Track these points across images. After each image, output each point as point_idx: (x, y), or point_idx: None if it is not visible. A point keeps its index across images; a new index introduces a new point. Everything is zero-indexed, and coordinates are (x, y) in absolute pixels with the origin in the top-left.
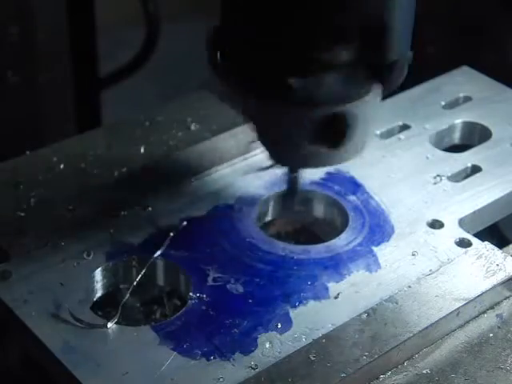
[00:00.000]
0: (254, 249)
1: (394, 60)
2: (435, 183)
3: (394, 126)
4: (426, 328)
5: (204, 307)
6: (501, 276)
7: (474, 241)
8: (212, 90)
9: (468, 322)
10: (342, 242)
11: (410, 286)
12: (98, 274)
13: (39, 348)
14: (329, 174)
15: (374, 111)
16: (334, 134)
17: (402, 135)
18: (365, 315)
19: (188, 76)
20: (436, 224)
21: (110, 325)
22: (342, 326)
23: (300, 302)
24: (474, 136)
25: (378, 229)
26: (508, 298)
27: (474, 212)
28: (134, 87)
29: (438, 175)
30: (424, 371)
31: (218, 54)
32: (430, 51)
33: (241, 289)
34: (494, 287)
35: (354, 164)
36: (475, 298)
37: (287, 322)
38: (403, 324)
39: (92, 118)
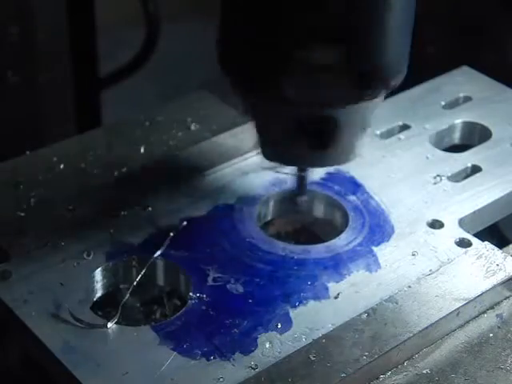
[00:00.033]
0: (254, 249)
1: (374, 67)
2: (435, 183)
3: (394, 126)
4: (426, 328)
5: (204, 307)
6: (501, 276)
7: (474, 241)
8: (212, 90)
9: (468, 322)
10: (341, 241)
11: (410, 286)
12: (98, 274)
13: (39, 348)
14: (329, 173)
15: (365, 117)
16: (319, 135)
17: (401, 135)
18: (365, 315)
19: (188, 76)
20: (436, 224)
21: (109, 325)
22: (342, 326)
23: (300, 302)
24: (474, 136)
25: (378, 229)
26: (508, 297)
27: (474, 212)
28: (133, 87)
29: (437, 175)
30: (424, 371)
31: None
32: (430, 51)
33: (241, 289)
34: (494, 287)
35: (354, 164)
36: (475, 298)
37: (287, 322)
38: (403, 324)
39: (92, 117)
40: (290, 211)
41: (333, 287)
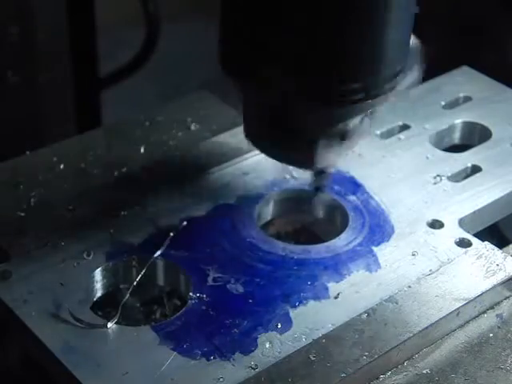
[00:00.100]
0: (254, 249)
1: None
2: (435, 183)
3: (394, 126)
4: (426, 328)
5: (204, 307)
6: (501, 276)
7: (474, 241)
8: (212, 90)
9: (468, 322)
10: (341, 242)
11: (410, 286)
12: (98, 274)
13: (39, 348)
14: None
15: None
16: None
17: (402, 135)
18: (365, 315)
19: (188, 76)
20: (436, 224)
21: (110, 325)
22: (342, 326)
23: (300, 302)
24: (474, 136)
25: (378, 229)
26: (508, 297)
27: (474, 212)
28: (134, 87)
29: (437, 175)
30: (424, 371)
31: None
32: (430, 51)
33: (241, 289)
34: (494, 287)
35: (354, 164)
36: (475, 298)
37: (287, 322)
38: (403, 324)
39: (92, 117)
40: (291, 211)
41: (333, 287)
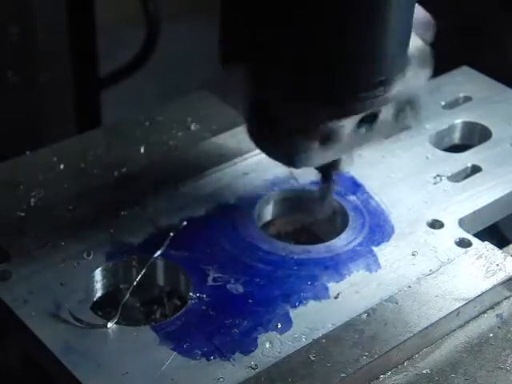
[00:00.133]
0: (254, 249)
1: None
2: (435, 183)
3: None
4: (426, 328)
5: (204, 307)
6: (501, 276)
7: (474, 241)
8: (212, 90)
9: (468, 322)
10: (342, 242)
11: (410, 286)
12: (98, 274)
13: (39, 348)
14: None
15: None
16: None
17: (401, 135)
18: (365, 315)
19: (188, 76)
20: (436, 224)
21: (109, 325)
22: (342, 326)
23: (300, 302)
24: (474, 136)
25: (378, 229)
26: (508, 297)
27: (474, 212)
28: (134, 87)
29: (437, 175)
30: (424, 371)
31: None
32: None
33: (241, 289)
34: (494, 287)
35: (354, 164)
36: (475, 298)
37: (287, 322)
38: (403, 324)
39: (92, 117)
40: (291, 211)
41: (333, 287)
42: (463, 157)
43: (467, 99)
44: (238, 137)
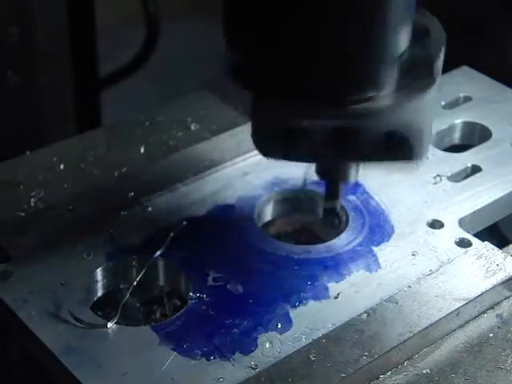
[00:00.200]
0: (253, 249)
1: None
2: (435, 183)
3: None
4: (426, 328)
5: (204, 307)
6: (501, 276)
7: (474, 241)
8: (212, 90)
9: (468, 322)
10: (342, 242)
11: (410, 286)
12: (98, 273)
13: (39, 348)
14: None
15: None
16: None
17: None
18: (365, 315)
19: (188, 76)
20: (436, 224)
21: (110, 325)
22: (342, 326)
23: (300, 302)
24: (474, 136)
25: (378, 229)
26: (508, 297)
27: (474, 212)
28: (134, 87)
29: (437, 175)
30: (424, 371)
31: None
32: None
33: (241, 289)
34: (494, 287)
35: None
36: (475, 298)
37: (287, 322)
38: (403, 324)
39: (92, 117)
40: (291, 211)
41: (333, 287)
42: (463, 157)
43: (467, 99)
44: (238, 137)
